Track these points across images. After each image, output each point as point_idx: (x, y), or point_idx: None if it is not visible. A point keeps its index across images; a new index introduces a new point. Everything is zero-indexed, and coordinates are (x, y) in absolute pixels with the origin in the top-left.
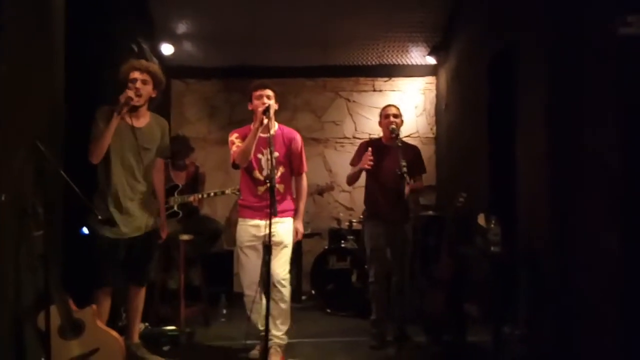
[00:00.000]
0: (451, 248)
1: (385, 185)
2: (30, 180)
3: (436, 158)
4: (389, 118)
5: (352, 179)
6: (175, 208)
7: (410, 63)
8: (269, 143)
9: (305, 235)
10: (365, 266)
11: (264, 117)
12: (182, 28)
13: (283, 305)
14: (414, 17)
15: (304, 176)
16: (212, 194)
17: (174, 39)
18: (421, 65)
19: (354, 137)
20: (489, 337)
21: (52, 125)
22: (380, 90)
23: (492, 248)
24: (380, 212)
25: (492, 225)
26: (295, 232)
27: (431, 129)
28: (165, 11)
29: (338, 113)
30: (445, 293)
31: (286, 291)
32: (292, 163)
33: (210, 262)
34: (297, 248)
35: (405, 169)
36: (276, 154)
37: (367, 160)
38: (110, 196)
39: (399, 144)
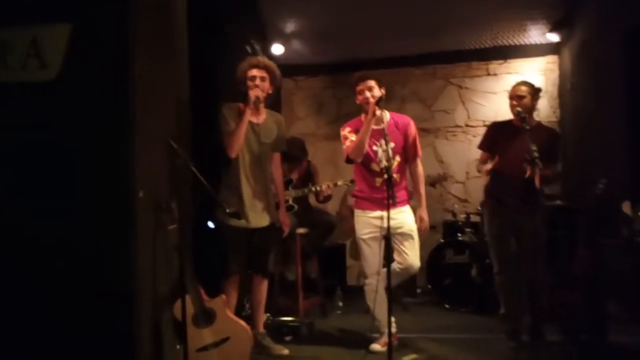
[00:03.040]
0: (590, 240)
1: (513, 172)
2: (165, 177)
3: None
4: (512, 100)
5: (481, 168)
6: (290, 202)
7: (528, 43)
8: (383, 134)
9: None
10: (487, 260)
11: (377, 107)
12: (290, 27)
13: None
14: None
15: (419, 161)
16: (324, 186)
17: (283, 39)
18: (540, 45)
19: (467, 126)
20: (633, 338)
21: (179, 124)
22: (495, 74)
23: (638, 239)
24: (503, 199)
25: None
26: (420, 220)
27: (554, 112)
28: (274, 11)
29: (449, 101)
30: (584, 289)
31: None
32: (407, 150)
33: (325, 255)
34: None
35: (536, 154)
36: (392, 144)
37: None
38: (235, 189)
39: (527, 127)
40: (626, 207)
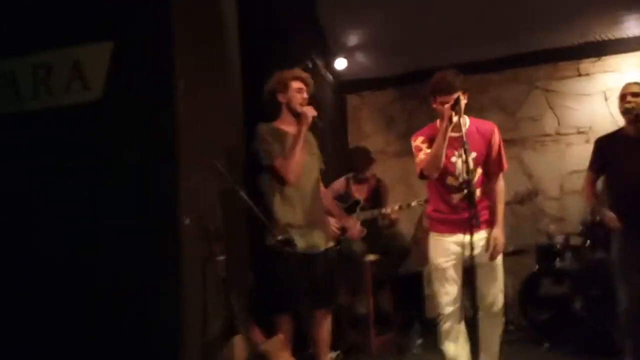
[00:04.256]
0: None
1: (638, 190)
2: (214, 202)
3: None
4: (625, 99)
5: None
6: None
7: (625, 36)
8: (462, 142)
9: (505, 254)
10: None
11: (453, 112)
12: (354, 39)
13: (497, 341)
14: None
15: (501, 175)
16: (396, 207)
17: (346, 52)
18: (638, 38)
19: (558, 134)
20: None
21: (231, 143)
22: (587, 74)
23: None
24: (634, 217)
25: None
26: (495, 242)
27: None
28: (336, 24)
29: (535, 107)
30: None
31: (501, 323)
32: (490, 161)
33: (399, 285)
34: None
35: None
36: (473, 154)
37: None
38: (284, 213)
39: None
40: None
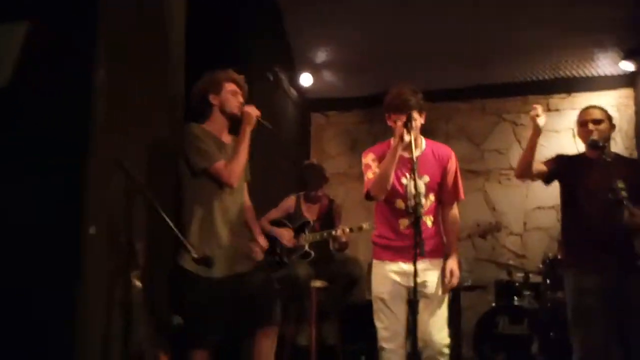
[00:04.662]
0: None
1: (595, 217)
2: (128, 211)
3: None
4: (587, 126)
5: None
6: (307, 248)
7: (596, 74)
8: (414, 164)
9: (464, 288)
10: (551, 333)
11: (404, 130)
12: (321, 57)
13: None
14: (599, 14)
15: (456, 205)
16: (347, 229)
17: (312, 69)
18: (612, 76)
19: None
20: None
21: (166, 150)
22: (557, 110)
23: None
24: (588, 257)
25: None
26: (450, 273)
27: (630, 155)
28: (304, 38)
29: (502, 139)
30: None
31: None
32: (444, 188)
33: (348, 315)
34: (455, 302)
35: (624, 193)
36: (426, 177)
37: None
38: (202, 229)
39: (608, 159)
40: None
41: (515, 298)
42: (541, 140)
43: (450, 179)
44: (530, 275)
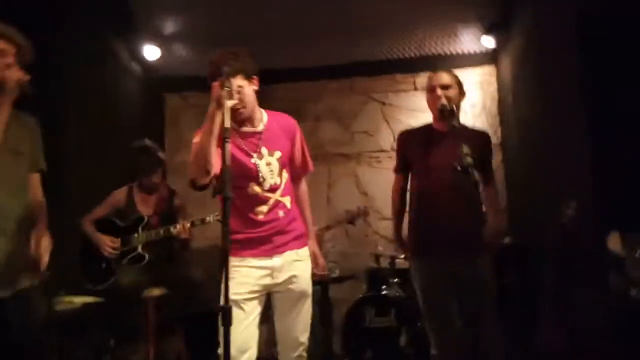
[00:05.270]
0: (557, 296)
1: (440, 195)
2: None
3: (505, 169)
4: (435, 91)
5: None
6: (140, 250)
7: (460, 52)
8: (259, 138)
9: (334, 279)
10: (419, 323)
11: (223, 94)
12: (170, 27)
13: None
14: None
15: (304, 179)
16: (188, 224)
17: (160, 40)
18: (475, 54)
19: (393, 150)
20: None
21: None
22: (424, 89)
23: (634, 291)
24: (434, 239)
25: (638, 254)
26: (315, 260)
27: (495, 132)
28: (149, 6)
29: (371, 120)
30: None
31: None
32: (294, 162)
33: (194, 327)
34: (323, 293)
35: (469, 160)
36: (278, 153)
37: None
38: None
39: (455, 125)
40: (614, 241)
41: (383, 286)
42: (410, 120)
43: (298, 150)
44: (397, 260)
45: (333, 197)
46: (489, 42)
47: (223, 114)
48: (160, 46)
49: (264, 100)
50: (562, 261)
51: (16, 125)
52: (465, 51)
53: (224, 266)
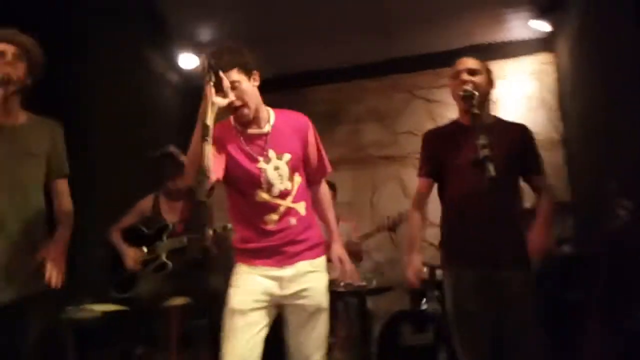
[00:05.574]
0: (602, 315)
1: (472, 200)
2: None
3: (568, 168)
4: (459, 77)
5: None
6: (164, 258)
7: (511, 39)
8: (266, 141)
9: (372, 291)
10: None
11: (212, 90)
12: (206, 34)
13: None
14: None
15: (324, 181)
16: (210, 232)
17: (197, 48)
18: (528, 41)
19: None
20: None
21: None
22: None
23: None
24: (466, 249)
25: None
26: (340, 261)
27: (555, 128)
28: (182, 12)
29: (415, 119)
30: None
31: None
32: (310, 164)
33: (216, 337)
34: (360, 304)
35: (485, 152)
36: (287, 155)
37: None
38: None
39: (477, 112)
40: None
41: (424, 301)
42: (456, 116)
43: (313, 151)
44: (437, 271)
45: (377, 202)
46: (542, 25)
47: (206, 111)
48: (197, 55)
49: (301, 103)
50: (612, 269)
51: (32, 127)
52: (518, 37)
53: None
